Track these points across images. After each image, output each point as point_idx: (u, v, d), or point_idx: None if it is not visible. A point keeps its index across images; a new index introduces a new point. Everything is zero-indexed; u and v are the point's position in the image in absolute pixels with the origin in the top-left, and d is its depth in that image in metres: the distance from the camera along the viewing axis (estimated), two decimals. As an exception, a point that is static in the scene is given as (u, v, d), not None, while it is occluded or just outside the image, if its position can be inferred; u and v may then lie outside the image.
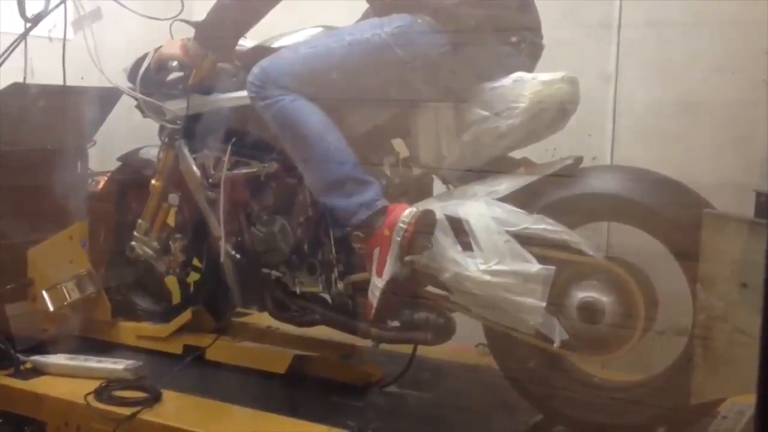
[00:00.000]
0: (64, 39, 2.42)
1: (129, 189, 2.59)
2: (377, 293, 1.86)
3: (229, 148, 2.15)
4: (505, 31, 1.87)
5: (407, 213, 1.82)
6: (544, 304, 1.76)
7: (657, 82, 2.34)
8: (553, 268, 1.76)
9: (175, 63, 2.17)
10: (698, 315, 1.67)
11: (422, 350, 2.10)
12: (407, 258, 1.84)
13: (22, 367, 2.20)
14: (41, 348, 2.30)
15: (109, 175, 2.67)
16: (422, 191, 2.06)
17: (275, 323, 2.32)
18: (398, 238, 1.82)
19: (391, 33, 1.89)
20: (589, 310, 1.79)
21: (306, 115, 1.93)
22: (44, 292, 2.43)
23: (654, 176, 1.84)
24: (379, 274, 1.85)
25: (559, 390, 1.88)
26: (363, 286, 2.01)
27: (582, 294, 1.81)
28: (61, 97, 2.63)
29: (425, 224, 1.82)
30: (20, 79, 2.51)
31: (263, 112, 1.98)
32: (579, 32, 2.37)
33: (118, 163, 2.64)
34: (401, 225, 1.81)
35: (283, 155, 2.08)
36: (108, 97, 2.65)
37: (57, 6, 2.27)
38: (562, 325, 1.79)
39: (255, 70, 1.98)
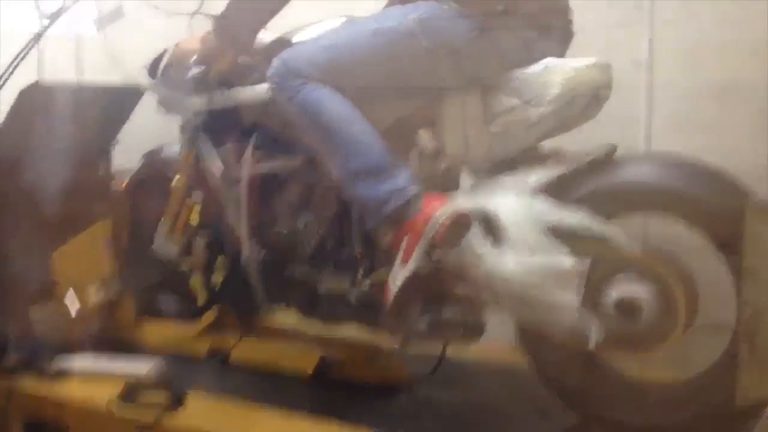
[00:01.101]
0: (78, 37, 2.39)
1: (152, 187, 2.55)
2: (399, 280, 1.80)
3: (252, 143, 2.11)
4: (533, 15, 1.79)
5: (443, 211, 1.77)
6: (578, 301, 1.68)
7: (692, 67, 2.24)
8: (588, 262, 1.69)
9: (195, 57, 2.13)
10: (743, 310, 1.58)
11: (452, 350, 2.04)
12: (435, 252, 1.77)
13: (46, 370, 2.17)
14: (66, 349, 2.27)
15: (131, 173, 2.64)
16: (449, 184, 1.99)
17: (302, 324, 2.26)
18: (430, 234, 1.76)
19: (416, 20, 1.82)
20: (626, 307, 1.72)
21: (329, 102, 1.86)
22: (69, 294, 2.42)
23: (693, 164, 1.76)
24: (405, 261, 1.79)
25: (595, 390, 1.81)
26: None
27: (619, 289, 1.73)
28: (83, 95, 2.61)
29: (460, 226, 1.76)
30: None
31: (285, 105, 1.92)
32: (611, 15, 2.28)
33: (141, 162, 2.60)
34: (435, 222, 1.76)
35: (307, 149, 2.02)
36: (131, 95, 2.63)
37: (74, 3, 2.23)
38: (598, 322, 1.71)
39: (275, 62, 1.92)
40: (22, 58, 2.19)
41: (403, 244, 1.80)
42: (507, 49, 1.82)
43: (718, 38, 2.20)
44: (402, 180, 1.82)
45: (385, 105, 1.96)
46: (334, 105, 1.86)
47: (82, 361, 2.19)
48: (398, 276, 1.80)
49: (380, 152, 1.84)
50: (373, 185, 1.83)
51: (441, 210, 1.77)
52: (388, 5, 2.03)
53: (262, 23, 2.03)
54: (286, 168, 2.09)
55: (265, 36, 2.12)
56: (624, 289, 1.73)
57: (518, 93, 1.79)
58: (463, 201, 1.81)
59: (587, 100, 1.78)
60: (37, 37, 2.21)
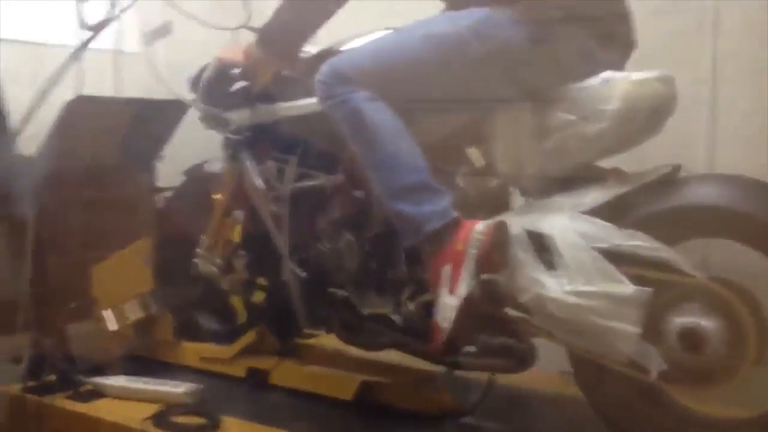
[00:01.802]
0: (118, 50, 2.36)
1: (193, 203, 2.51)
2: (450, 314, 1.70)
3: (295, 159, 2.05)
4: (594, 22, 1.69)
5: (481, 225, 1.69)
6: (639, 331, 1.58)
7: (758, 81, 2.12)
8: (649, 289, 1.58)
9: (237, 70, 2.08)
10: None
11: (501, 377, 1.95)
12: (483, 277, 1.68)
13: (81, 389, 2.14)
14: (102, 369, 2.24)
15: (173, 190, 2.60)
16: (499, 204, 1.89)
17: (343, 346, 2.20)
18: (474, 251, 1.67)
19: (468, 26, 1.74)
20: (690, 338, 1.61)
21: (377, 115, 1.79)
22: (107, 311, 2.39)
23: (763, 186, 1.64)
24: (452, 292, 1.69)
25: (655, 425, 1.70)
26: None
27: (683, 319, 1.63)
28: (126, 109, 2.59)
29: (501, 234, 1.67)
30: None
31: (332, 111, 1.85)
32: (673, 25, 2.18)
33: (182, 178, 2.57)
34: (476, 236, 1.67)
35: (351, 166, 1.96)
36: (175, 110, 2.60)
37: (120, 14, 2.20)
38: (660, 353, 1.61)
39: (323, 68, 1.86)
40: (64, 71, 2.16)
41: (445, 275, 1.71)
42: (565, 60, 1.73)
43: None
44: (444, 203, 1.75)
45: (434, 118, 1.89)
46: (380, 118, 1.79)
47: (116, 382, 2.15)
48: (448, 310, 1.70)
49: (423, 171, 1.76)
50: (413, 204, 1.75)
51: (479, 225, 1.68)
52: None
53: (308, 35, 1.98)
54: (328, 186, 2.02)
55: (311, 49, 2.07)
56: (689, 318, 1.62)
57: (575, 108, 1.70)
58: (514, 222, 1.71)
59: (649, 115, 1.68)
60: (80, 50, 2.18)
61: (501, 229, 1.68)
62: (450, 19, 1.80)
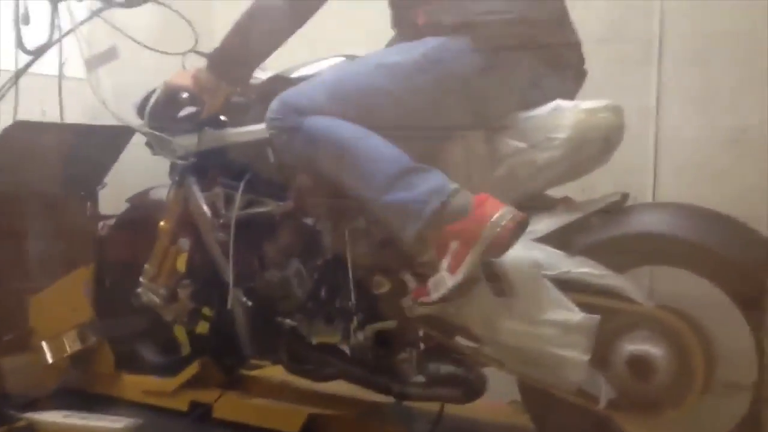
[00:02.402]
0: (60, 75, 2.31)
1: (136, 231, 2.45)
2: (443, 290, 1.64)
3: (242, 186, 2.02)
4: (547, 51, 1.71)
5: (504, 212, 1.59)
6: (587, 358, 1.59)
7: (702, 112, 2.18)
8: (597, 317, 1.59)
9: (185, 95, 2.05)
10: (766, 371, 1.48)
11: (450, 408, 1.92)
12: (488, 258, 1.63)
13: (15, 425, 2.06)
14: (38, 404, 2.16)
15: (116, 217, 2.54)
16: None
17: (289, 377, 2.16)
18: (488, 240, 1.59)
19: (421, 55, 1.74)
20: (639, 365, 1.62)
21: (336, 126, 1.76)
22: (44, 343, 2.30)
23: (710, 214, 1.68)
24: (452, 271, 1.63)
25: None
26: (385, 336, 1.88)
27: (631, 347, 1.63)
28: (69, 135, 2.53)
29: (523, 229, 1.61)
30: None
31: (288, 146, 1.82)
32: (620, 53, 2.22)
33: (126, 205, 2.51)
34: (495, 225, 1.58)
35: (300, 193, 1.93)
36: (120, 136, 2.55)
37: (59, 40, 2.15)
38: (609, 382, 1.62)
39: (273, 104, 1.83)
40: (1, 97, 2.10)
41: (450, 250, 1.64)
42: (517, 87, 1.74)
43: (729, 82, 2.13)
44: (437, 179, 1.68)
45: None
46: (341, 127, 1.76)
47: (53, 417, 2.08)
48: (442, 285, 1.64)
49: (403, 158, 1.70)
50: (407, 190, 1.67)
51: (500, 212, 1.60)
52: (390, 44, 1.96)
53: (258, 61, 1.96)
54: (277, 213, 1.99)
55: (261, 75, 2.05)
56: (637, 346, 1.63)
57: (526, 135, 1.71)
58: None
59: (599, 144, 1.70)
60: (19, 74, 2.12)
61: (524, 223, 1.62)
62: (403, 48, 1.80)
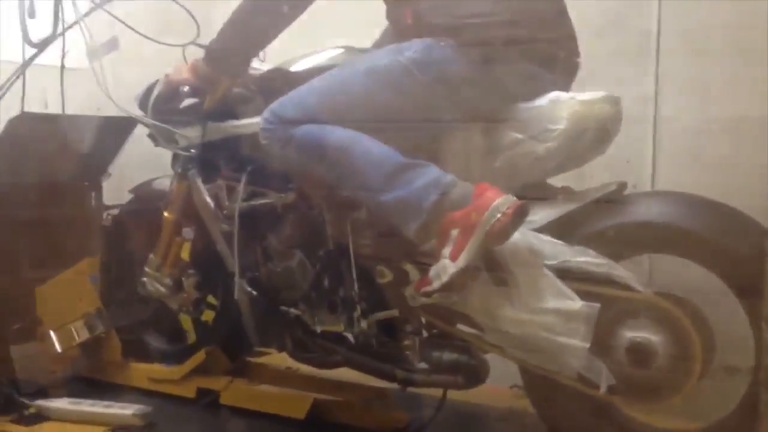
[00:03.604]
0: (62, 66, 2.32)
1: (141, 222, 2.47)
2: (444, 278, 1.67)
3: (245, 177, 2.03)
4: (535, 47, 1.72)
5: (503, 200, 1.61)
6: (587, 345, 1.60)
7: (700, 101, 2.18)
8: (597, 305, 1.61)
9: (186, 88, 2.06)
10: (763, 356, 1.50)
11: (453, 394, 1.95)
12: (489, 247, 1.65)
13: (26, 412, 2.08)
14: (47, 391, 2.19)
15: (120, 208, 2.56)
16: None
17: (295, 364, 2.20)
18: (487, 227, 1.61)
19: (410, 57, 1.75)
20: (638, 352, 1.64)
21: (326, 133, 1.79)
22: (52, 332, 2.33)
23: (707, 202, 1.69)
24: (453, 258, 1.65)
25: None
26: (388, 325, 1.90)
27: (630, 334, 1.65)
28: (73, 127, 2.54)
29: (522, 216, 1.63)
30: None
31: (282, 156, 1.85)
32: (619, 45, 2.22)
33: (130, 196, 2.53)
34: (494, 212, 1.60)
35: (302, 184, 1.95)
36: (123, 127, 2.56)
37: (63, 32, 2.16)
38: (609, 368, 1.63)
39: (265, 114, 1.86)
40: (7, 89, 2.11)
41: (451, 238, 1.66)
42: (508, 83, 1.75)
43: (726, 73, 2.13)
44: (433, 172, 1.70)
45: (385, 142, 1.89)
46: (332, 133, 1.78)
47: (62, 404, 2.10)
48: (443, 273, 1.67)
49: (397, 155, 1.73)
50: (404, 186, 1.71)
51: (500, 200, 1.62)
52: (383, 37, 1.97)
53: (254, 52, 1.97)
54: (279, 204, 2.01)
55: (261, 66, 2.06)
56: (636, 333, 1.65)
57: (524, 127, 1.72)
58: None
59: (596, 134, 1.71)
60: (25, 66, 2.13)
61: (523, 211, 1.63)
62: (391, 51, 1.81)
